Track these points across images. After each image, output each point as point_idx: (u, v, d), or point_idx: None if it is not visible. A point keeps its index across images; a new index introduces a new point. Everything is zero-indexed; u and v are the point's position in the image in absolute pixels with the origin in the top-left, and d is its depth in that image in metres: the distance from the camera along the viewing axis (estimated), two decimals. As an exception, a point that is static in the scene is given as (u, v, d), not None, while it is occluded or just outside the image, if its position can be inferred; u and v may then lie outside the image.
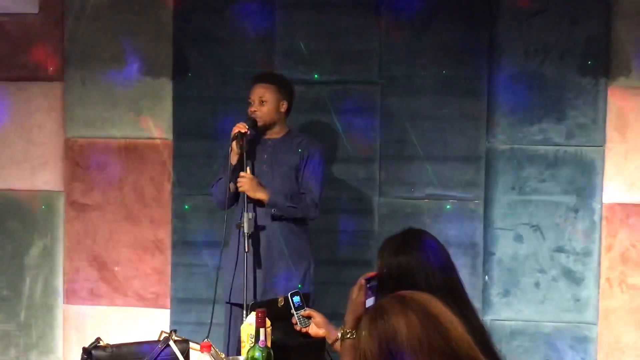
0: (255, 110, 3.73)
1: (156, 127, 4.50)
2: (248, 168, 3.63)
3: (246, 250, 3.52)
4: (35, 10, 4.51)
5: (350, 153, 4.38)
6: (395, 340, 1.56)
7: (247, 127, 3.63)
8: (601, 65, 4.20)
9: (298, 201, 3.72)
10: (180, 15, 4.44)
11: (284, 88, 3.80)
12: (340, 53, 4.36)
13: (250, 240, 3.54)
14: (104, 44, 4.50)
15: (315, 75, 4.36)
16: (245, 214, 3.56)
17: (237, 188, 3.65)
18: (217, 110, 4.43)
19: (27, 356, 4.63)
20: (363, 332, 1.63)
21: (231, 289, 3.69)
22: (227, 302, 3.78)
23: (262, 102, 3.74)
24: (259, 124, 3.74)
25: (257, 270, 3.63)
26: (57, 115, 4.58)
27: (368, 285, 2.37)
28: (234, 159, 3.65)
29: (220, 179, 3.75)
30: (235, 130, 3.61)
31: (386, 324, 1.59)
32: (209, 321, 4.36)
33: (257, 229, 3.62)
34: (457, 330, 1.61)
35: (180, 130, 4.48)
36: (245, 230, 3.53)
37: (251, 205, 3.63)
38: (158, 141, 4.50)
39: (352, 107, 4.37)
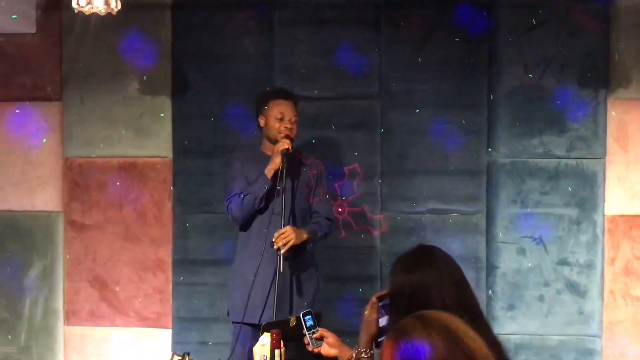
0: (291, 128, 3.70)
1: (156, 146, 4.47)
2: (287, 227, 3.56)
3: (281, 270, 3.46)
4: (33, 30, 4.48)
5: (351, 169, 4.36)
6: None
7: (290, 144, 3.61)
8: (601, 77, 4.22)
9: (322, 225, 3.74)
10: (179, 32, 4.43)
11: None
12: (340, 68, 4.35)
13: (285, 262, 3.50)
14: (102, 62, 4.47)
15: (315, 91, 4.35)
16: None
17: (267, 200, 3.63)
18: (216, 128, 4.41)
19: (27, 379, 4.59)
20: (385, 354, 1.61)
21: (264, 309, 3.60)
22: (240, 323, 3.62)
23: (295, 121, 3.72)
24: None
25: (270, 290, 3.58)
26: (55, 134, 4.54)
27: (380, 304, 2.36)
28: (270, 174, 3.60)
29: (244, 194, 3.64)
30: (286, 146, 3.58)
31: (409, 346, 1.57)
32: (211, 341, 4.37)
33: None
34: (481, 350, 1.59)
35: (180, 148, 4.45)
36: (282, 251, 3.47)
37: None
38: (158, 159, 4.48)
39: (352, 123, 4.36)
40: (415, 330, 1.60)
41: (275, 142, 3.68)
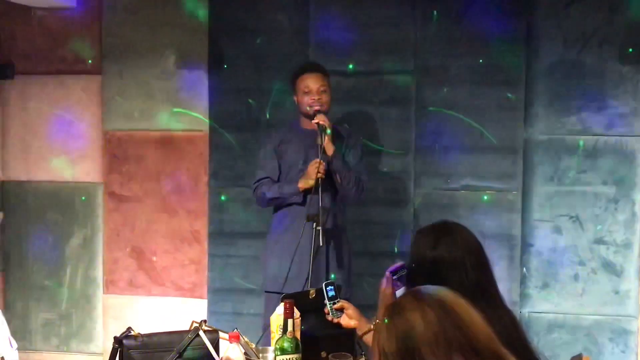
0: (319, 99, 3.69)
1: (192, 120, 4.52)
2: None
3: (321, 244, 3.46)
4: (74, 4, 4.57)
5: (385, 144, 4.35)
6: (411, 335, 1.55)
7: (323, 119, 3.60)
8: (642, 53, 4.12)
9: (350, 173, 3.71)
10: (216, 8, 4.46)
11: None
12: (375, 43, 4.33)
13: (324, 236, 3.48)
14: (141, 37, 4.54)
15: (350, 66, 4.34)
16: (321, 209, 3.48)
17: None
18: (252, 102, 4.44)
19: (68, 345, 4.72)
20: (381, 328, 1.63)
21: (304, 281, 3.59)
22: (274, 292, 3.69)
23: (323, 91, 3.71)
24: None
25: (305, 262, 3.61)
26: (95, 108, 4.64)
27: (396, 277, 2.39)
28: (301, 188, 3.63)
29: (270, 195, 3.71)
30: (327, 122, 3.60)
31: (402, 319, 1.58)
32: (245, 312, 4.44)
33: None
34: (477, 324, 1.59)
35: (216, 122, 4.50)
36: (321, 224, 3.45)
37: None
38: (194, 133, 4.54)
39: (387, 98, 4.34)
40: (410, 305, 1.61)
41: (308, 117, 3.70)
